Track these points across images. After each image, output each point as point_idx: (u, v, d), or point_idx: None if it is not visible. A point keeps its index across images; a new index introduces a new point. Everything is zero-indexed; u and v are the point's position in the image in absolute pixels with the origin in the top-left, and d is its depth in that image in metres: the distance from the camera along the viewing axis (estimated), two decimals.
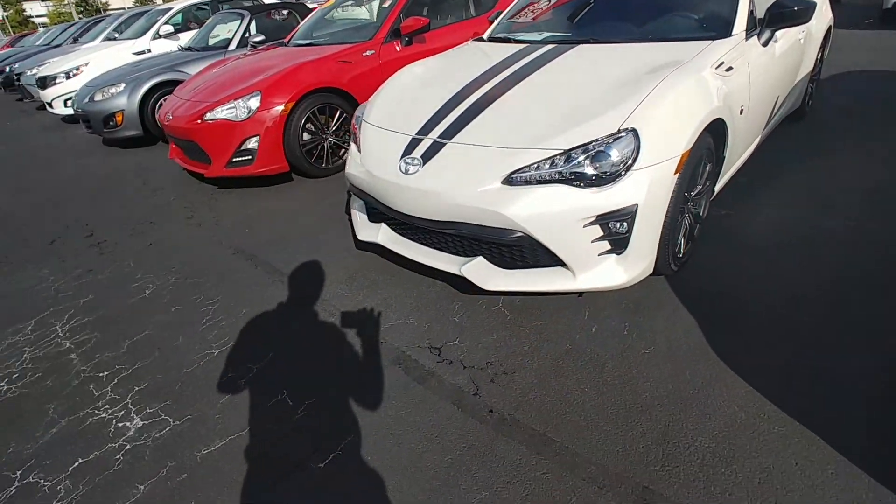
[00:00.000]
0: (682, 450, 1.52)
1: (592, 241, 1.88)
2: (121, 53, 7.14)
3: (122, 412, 1.97)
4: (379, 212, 2.41)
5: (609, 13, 2.95)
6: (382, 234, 2.43)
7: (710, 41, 2.33)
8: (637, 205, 1.82)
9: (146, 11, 8.56)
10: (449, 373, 1.93)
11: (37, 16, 61.29)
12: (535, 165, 1.88)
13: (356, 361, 2.06)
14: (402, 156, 2.16)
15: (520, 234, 1.89)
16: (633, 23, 2.78)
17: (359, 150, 2.44)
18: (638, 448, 1.55)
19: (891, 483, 1.34)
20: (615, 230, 1.87)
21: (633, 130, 1.84)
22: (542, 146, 1.90)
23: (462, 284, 2.39)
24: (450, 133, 2.14)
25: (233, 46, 5.82)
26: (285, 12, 6.55)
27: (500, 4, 4.98)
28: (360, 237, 2.53)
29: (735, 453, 1.49)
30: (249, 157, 3.66)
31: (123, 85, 5.29)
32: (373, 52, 4.07)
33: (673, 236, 2.06)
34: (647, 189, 1.83)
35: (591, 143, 1.84)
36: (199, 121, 3.68)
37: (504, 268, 2.05)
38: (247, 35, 5.87)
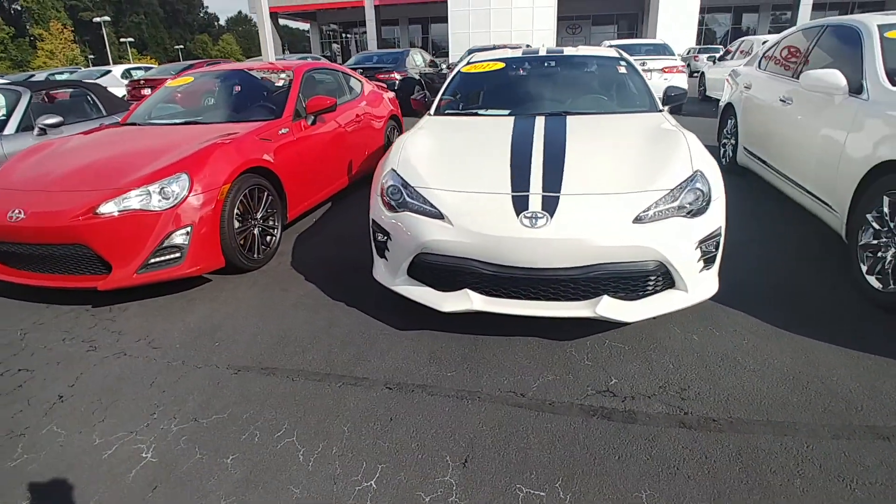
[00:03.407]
0: (848, 397, 1.97)
1: (697, 261, 2.27)
2: None
3: None
4: (459, 277, 2.29)
5: (543, 92, 3.59)
6: (476, 300, 2.29)
7: (658, 112, 3.13)
8: (721, 226, 2.32)
9: None
10: (643, 405, 1.97)
11: None
12: (653, 205, 2.19)
13: (551, 424, 1.89)
14: (518, 212, 2.17)
15: (656, 262, 2.14)
16: (571, 99, 3.47)
17: (439, 218, 2.28)
18: (825, 404, 1.93)
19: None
20: (707, 250, 2.30)
21: (700, 171, 2.36)
22: (650, 189, 2.24)
23: (552, 333, 2.45)
24: (552, 187, 2.27)
25: (11, 129, 4.35)
26: (68, 90, 5.27)
27: (364, 91, 5.26)
28: (446, 310, 2.30)
29: (876, 387, 2.02)
30: (178, 254, 2.82)
31: None
32: (287, 129, 3.74)
33: None
34: (722, 214, 2.35)
35: (683, 182, 2.28)
36: (89, 215, 2.69)
37: (627, 300, 2.24)
38: (28, 115, 4.49)
